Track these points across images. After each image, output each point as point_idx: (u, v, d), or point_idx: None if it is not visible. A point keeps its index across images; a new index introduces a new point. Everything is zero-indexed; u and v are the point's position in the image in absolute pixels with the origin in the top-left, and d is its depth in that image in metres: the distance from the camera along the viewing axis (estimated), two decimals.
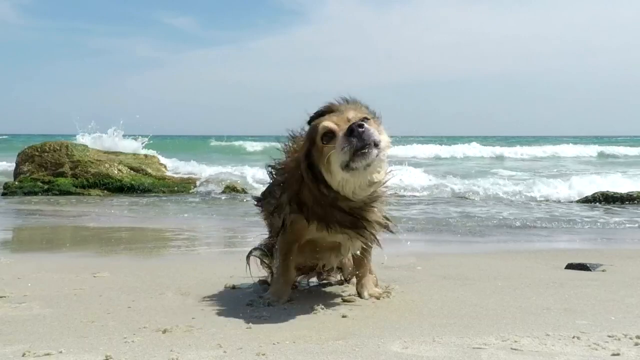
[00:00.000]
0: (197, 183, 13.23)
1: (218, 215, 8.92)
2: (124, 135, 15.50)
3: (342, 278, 3.70)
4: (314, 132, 2.91)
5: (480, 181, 12.75)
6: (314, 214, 2.97)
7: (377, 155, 2.75)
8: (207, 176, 13.76)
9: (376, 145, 2.73)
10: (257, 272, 3.83)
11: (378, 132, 2.81)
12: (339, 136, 2.77)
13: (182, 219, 8.72)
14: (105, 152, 14.11)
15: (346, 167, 2.76)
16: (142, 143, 15.92)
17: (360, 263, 3.33)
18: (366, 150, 2.71)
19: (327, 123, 2.86)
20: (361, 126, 2.71)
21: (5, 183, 12.96)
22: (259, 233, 3.92)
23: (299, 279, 3.55)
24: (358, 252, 3.25)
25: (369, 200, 2.97)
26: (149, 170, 13.67)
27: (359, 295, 3.30)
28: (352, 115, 2.89)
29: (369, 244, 3.17)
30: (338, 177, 2.83)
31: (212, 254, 5.82)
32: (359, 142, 2.69)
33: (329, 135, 2.84)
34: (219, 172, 14.39)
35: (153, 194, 12.43)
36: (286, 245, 3.18)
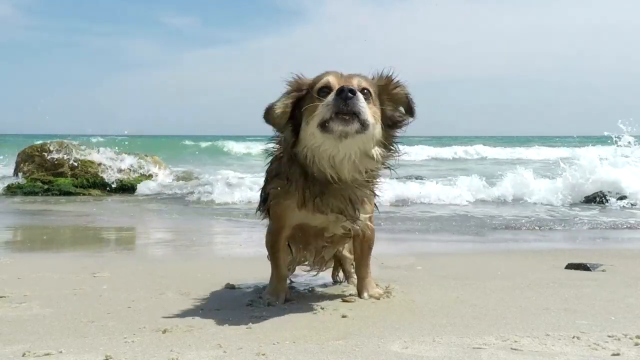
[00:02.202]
0: (197, 184, 13.22)
1: (218, 216, 8.92)
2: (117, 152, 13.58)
3: (343, 275, 3.71)
4: (316, 81, 2.87)
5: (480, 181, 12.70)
6: (294, 181, 2.90)
7: (357, 132, 2.68)
8: (207, 179, 13.73)
9: (360, 121, 2.66)
10: (258, 272, 3.83)
11: (372, 114, 2.74)
12: (331, 93, 2.71)
13: (182, 219, 8.72)
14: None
15: (322, 126, 2.69)
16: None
17: (361, 263, 3.33)
18: (347, 118, 2.64)
19: (331, 78, 2.83)
20: (353, 92, 2.64)
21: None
22: (259, 233, 3.91)
23: (305, 271, 3.57)
24: (341, 232, 3.12)
25: (353, 182, 2.88)
26: (149, 170, 13.67)
27: (359, 295, 3.29)
28: (356, 82, 2.83)
29: (354, 226, 3.08)
30: (309, 131, 2.76)
31: (212, 254, 5.82)
32: (343, 105, 2.63)
33: (326, 90, 2.79)
34: (218, 175, 14.35)
35: (153, 195, 12.42)
36: (272, 237, 3.17)
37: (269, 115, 2.92)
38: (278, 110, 2.88)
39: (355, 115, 2.65)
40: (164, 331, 2.60)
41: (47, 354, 2.31)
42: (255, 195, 3.59)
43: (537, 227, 7.46)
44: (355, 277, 3.49)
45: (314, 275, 3.69)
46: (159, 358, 2.26)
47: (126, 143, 14.35)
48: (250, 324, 2.70)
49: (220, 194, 11.02)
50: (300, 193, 2.90)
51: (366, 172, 2.90)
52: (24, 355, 2.30)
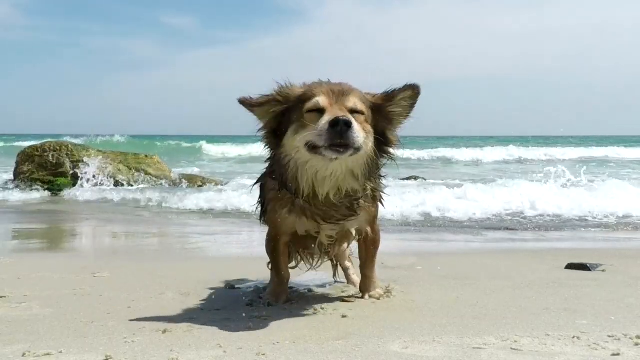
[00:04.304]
0: (196, 185, 13.23)
1: (219, 217, 8.91)
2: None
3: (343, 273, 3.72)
4: (308, 97, 2.76)
5: (480, 181, 12.71)
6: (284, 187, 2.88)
7: (349, 155, 2.64)
8: (207, 180, 13.75)
9: (354, 148, 2.61)
10: (258, 272, 3.83)
11: (365, 133, 2.68)
12: (324, 119, 2.62)
13: (182, 219, 8.72)
14: (104, 152, 14.12)
15: (312, 147, 2.64)
16: None
17: (366, 264, 3.32)
18: (341, 150, 2.60)
19: (322, 99, 2.72)
20: (348, 125, 2.56)
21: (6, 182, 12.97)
22: (259, 234, 3.92)
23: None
24: (334, 235, 3.07)
25: (326, 201, 2.83)
26: (150, 170, 13.68)
27: (361, 293, 3.31)
28: (352, 104, 2.73)
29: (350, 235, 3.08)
30: (294, 144, 2.71)
31: (212, 254, 5.82)
32: (337, 138, 2.56)
33: (317, 111, 2.70)
34: (218, 175, 14.35)
35: (153, 195, 12.41)
36: (271, 242, 3.18)
37: (246, 102, 2.86)
38: (257, 108, 2.84)
39: (348, 145, 2.60)
40: (164, 331, 2.60)
41: (47, 354, 2.31)
42: (254, 198, 3.58)
43: (537, 228, 7.47)
44: (351, 272, 3.61)
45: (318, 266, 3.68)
46: (159, 358, 2.26)
47: (125, 143, 14.38)
48: (250, 324, 2.70)
49: (221, 195, 11.01)
50: (290, 199, 2.90)
51: (346, 191, 2.84)
52: (24, 355, 2.30)
